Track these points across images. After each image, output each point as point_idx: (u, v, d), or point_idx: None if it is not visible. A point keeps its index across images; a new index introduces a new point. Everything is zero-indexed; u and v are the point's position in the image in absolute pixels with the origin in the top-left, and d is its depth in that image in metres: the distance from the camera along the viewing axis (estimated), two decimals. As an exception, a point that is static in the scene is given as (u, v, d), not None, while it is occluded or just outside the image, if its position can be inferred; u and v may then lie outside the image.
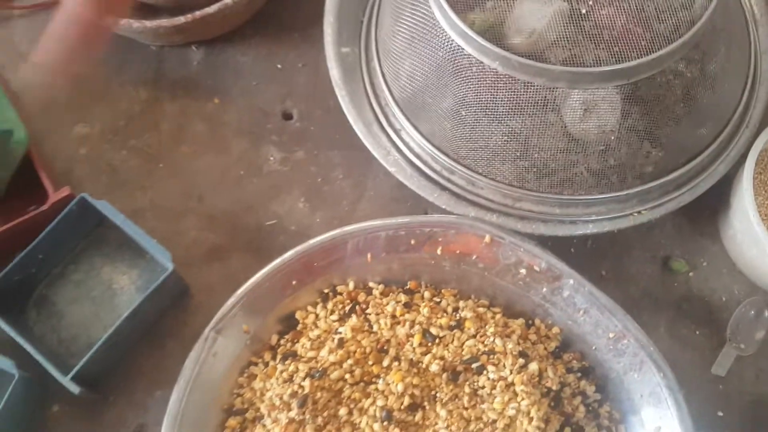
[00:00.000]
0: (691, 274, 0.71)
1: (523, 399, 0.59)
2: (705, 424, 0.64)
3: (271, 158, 0.76)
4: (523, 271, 0.64)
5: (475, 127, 0.63)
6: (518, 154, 0.64)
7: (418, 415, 0.60)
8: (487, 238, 0.64)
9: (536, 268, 0.63)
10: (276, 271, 0.64)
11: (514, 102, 0.59)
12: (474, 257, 0.65)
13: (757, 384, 0.67)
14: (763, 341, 0.67)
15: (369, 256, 0.66)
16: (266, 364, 0.64)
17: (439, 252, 0.65)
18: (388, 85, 0.70)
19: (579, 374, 0.64)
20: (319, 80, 0.78)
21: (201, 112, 0.78)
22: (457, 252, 0.65)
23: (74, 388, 0.61)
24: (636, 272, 0.71)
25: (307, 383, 0.60)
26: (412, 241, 0.65)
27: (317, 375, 0.61)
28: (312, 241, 0.64)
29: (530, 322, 0.66)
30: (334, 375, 0.61)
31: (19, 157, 0.68)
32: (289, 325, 0.66)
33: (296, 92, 0.79)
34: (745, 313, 0.68)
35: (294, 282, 0.65)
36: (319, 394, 0.60)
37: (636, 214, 0.65)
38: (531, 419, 0.58)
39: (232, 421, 0.62)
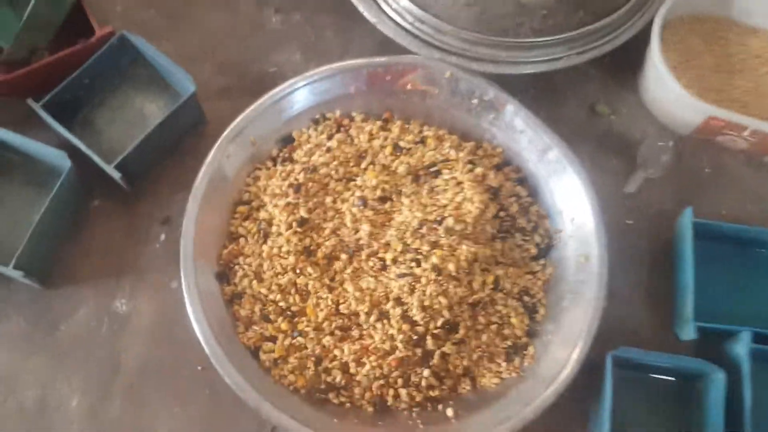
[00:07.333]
0: (612, 117, 0.88)
1: (468, 189, 0.76)
2: (616, 229, 0.80)
3: (273, 19, 0.92)
4: (475, 101, 0.80)
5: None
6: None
7: (387, 205, 0.77)
8: (448, 74, 0.80)
9: (485, 97, 0.80)
10: (278, 96, 0.80)
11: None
12: (436, 91, 0.81)
13: (661, 200, 0.84)
14: (668, 167, 0.84)
15: (353, 88, 0.82)
16: (268, 168, 0.80)
17: (409, 87, 0.81)
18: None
19: (515, 183, 0.80)
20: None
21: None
22: (422, 89, 0.82)
23: (116, 174, 0.76)
24: (567, 115, 0.88)
25: (301, 176, 0.77)
26: (388, 77, 0.81)
27: (309, 171, 0.77)
28: (308, 73, 0.81)
29: (479, 145, 0.82)
30: (323, 171, 0.77)
31: (70, 2, 0.83)
32: (286, 144, 0.82)
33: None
34: (652, 143, 0.85)
35: (291, 108, 0.81)
36: (310, 185, 0.77)
37: (566, 57, 0.81)
38: (473, 202, 0.75)
39: (242, 208, 0.78)
